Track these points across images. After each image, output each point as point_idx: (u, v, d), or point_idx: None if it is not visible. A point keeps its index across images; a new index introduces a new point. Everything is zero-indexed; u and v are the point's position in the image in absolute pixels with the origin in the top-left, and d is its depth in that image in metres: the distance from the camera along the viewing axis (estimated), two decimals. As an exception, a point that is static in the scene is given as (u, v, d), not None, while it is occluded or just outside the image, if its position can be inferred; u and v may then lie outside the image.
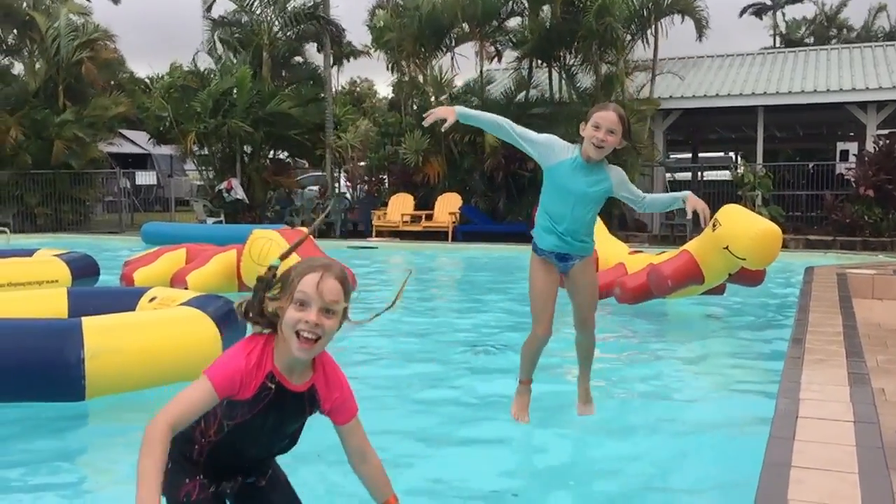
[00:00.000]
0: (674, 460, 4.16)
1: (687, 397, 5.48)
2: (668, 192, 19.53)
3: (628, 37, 19.30)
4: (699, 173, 23.87)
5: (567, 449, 4.41)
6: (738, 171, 18.98)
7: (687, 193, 4.26)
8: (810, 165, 20.89)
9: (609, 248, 9.77)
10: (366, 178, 22.27)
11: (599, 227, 10.37)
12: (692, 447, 4.34)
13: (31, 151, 21.53)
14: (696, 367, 6.66)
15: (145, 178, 30.75)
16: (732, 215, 7.63)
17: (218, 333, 4.94)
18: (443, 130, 4.04)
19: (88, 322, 4.68)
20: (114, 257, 12.65)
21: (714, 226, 7.60)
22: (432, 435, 4.50)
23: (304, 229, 10.39)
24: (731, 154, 30.65)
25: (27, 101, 22.09)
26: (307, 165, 27.98)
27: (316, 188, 24.35)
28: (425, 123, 3.95)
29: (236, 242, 9.73)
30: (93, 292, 6.38)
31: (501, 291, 10.74)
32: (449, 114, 3.86)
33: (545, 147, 4.05)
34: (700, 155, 28.12)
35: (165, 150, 27.80)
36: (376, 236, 19.39)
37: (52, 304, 5.81)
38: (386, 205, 20.31)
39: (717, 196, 18.84)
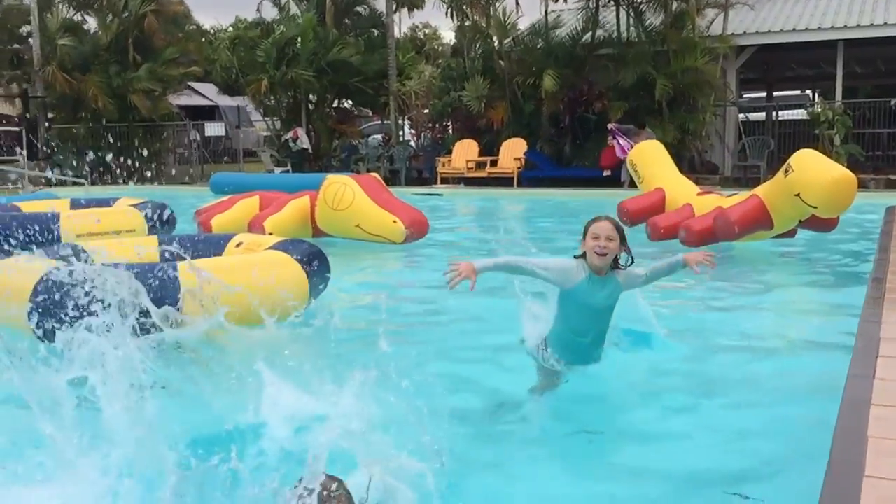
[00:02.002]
0: (754, 403, 4.18)
1: (763, 340, 5.46)
2: (741, 134, 19.08)
3: (699, -31, 18.63)
4: (773, 113, 23.10)
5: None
6: (815, 109, 18.29)
7: (681, 256, 4.40)
8: (892, 102, 19.98)
9: (677, 187, 9.63)
10: (430, 124, 22.27)
11: (668, 165, 10.28)
12: (771, 389, 4.35)
13: (105, 105, 22.15)
14: (771, 307, 6.59)
15: (214, 129, 31.34)
16: (805, 161, 7.41)
17: (305, 276, 5.11)
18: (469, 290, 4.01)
19: (183, 266, 4.90)
20: (186, 207, 13.04)
21: (786, 171, 7.43)
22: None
23: (375, 175, 10.51)
24: (808, 92, 29.53)
25: (99, 55, 22.65)
26: (371, 114, 28.08)
27: (380, 136, 24.47)
28: (450, 287, 3.93)
29: (303, 190, 9.94)
30: (182, 239, 6.62)
31: (568, 237, 10.72)
32: (469, 273, 3.91)
33: (560, 273, 4.17)
34: (775, 94, 27.19)
35: (232, 101, 28.23)
36: (441, 183, 19.45)
37: (144, 250, 6.07)
38: (450, 152, 20.30)
39: (792, 137, 18.28)
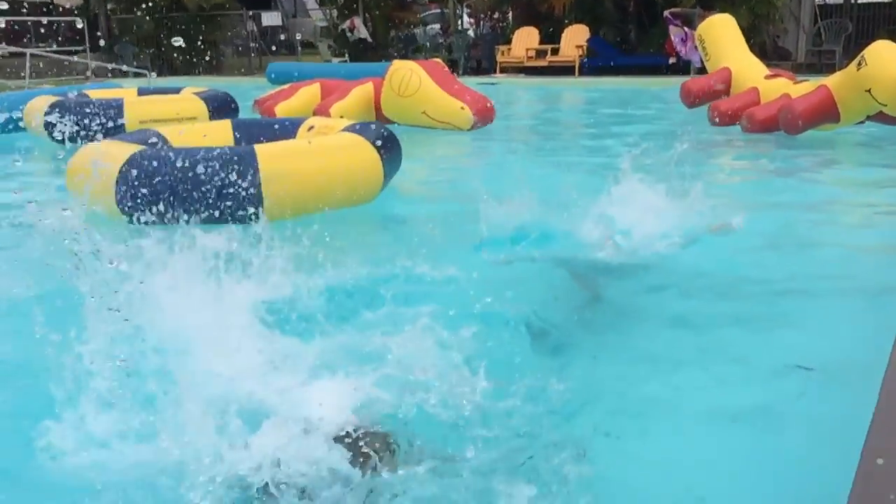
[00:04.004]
0: (827, 277, 4.15)
1: (839, 220, 5.38)
2: (817, 17, 18.05)
3: None
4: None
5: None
6: (900, -10, 17.18)
7: None
8: None
9: (745, 68, 9.27)
10: (489, 12, 21.63)
11: (738, 43, 9.84)
12: (847, 265, 4.33)
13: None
14: (846, 191, 6.45)
15: (270, 18, 30.94)
16: (880, 55, 7.01)
17: (379, 158, 5.13)
18: None
19: (261, 149, 4.96)
20: (245, 97, 13.08)
21: (859, 64, 7.08)
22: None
23: (440, 60, 10.35)
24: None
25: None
26: (428, 2, 27.35)
27: (438, 26, 23.90)
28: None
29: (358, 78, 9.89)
30: (255, 123, 6.69)
31: (627, 127, 10.50)
32: None
33: None
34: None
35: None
36: (500, 73, 19.04)
37: (218, 134, 6.16)
38: (510, 40, 19.76)
39: (872, 20, 17.29)
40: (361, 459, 2.28)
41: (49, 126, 8.57)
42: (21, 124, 9.41)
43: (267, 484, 2.17)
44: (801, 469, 2.32)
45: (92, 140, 5.90)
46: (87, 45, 21.13)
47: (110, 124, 8.43)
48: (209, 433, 2.28)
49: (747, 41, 10.73)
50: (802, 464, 2.35)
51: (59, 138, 8.19)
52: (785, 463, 2.34)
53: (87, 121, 8.13)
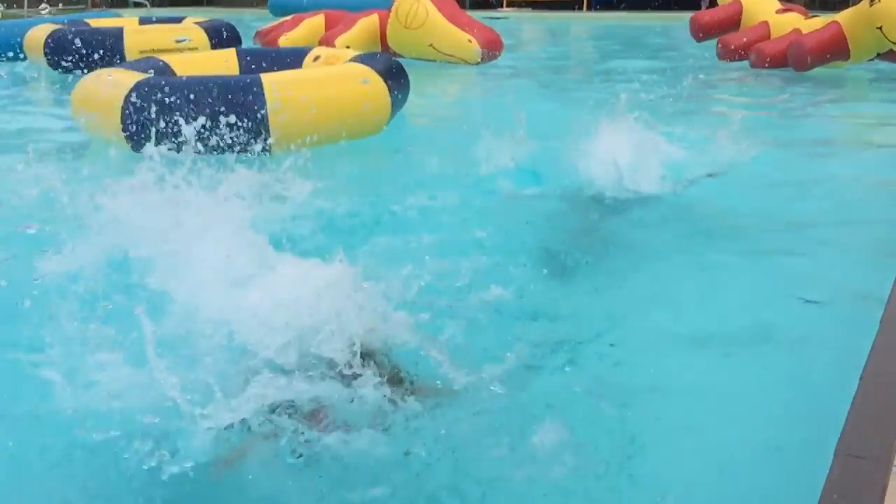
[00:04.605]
0: (830, 211, 4.19)
1: (844, 156, 5.39)
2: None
3: None
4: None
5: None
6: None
7: None
8: None
9: (756, 2, 9.13)
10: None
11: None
12: (851, 200, 4.35)
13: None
14: (852, 128, 6.44)
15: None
16: None
17: (387, 88, 5.09)
18: None
19: (267, 78, 4.93)
20: (247, 29, 12.88)
21: (872, 0, 6.96)
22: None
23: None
24: None
25: None
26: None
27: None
28: None
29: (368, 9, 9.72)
30: (261, 52, 6.62)
31: (635, 62, 10.37)
32: None
33: None
34: None
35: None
36: (508, 6, 18.70)
37: (223, 63, 6.10)
38: (517, -27, 19.36)
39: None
40: (368, 385, 2.32)
41: (49, 55, 8.49)
42: (21, 53, 9.32)
43: (275, 409, 2.21)
44: (801, 391, 2.38)
45: (93, 69, 5.85)
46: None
47: (110, 53, 8.35)
48: (213, 356, 2.31)
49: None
50: (803, 387, 2.40)
51: (60, 67, 8.13)
52: (785, 387, 2.40)
53: (87, 50, 8.05)
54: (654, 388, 2.41)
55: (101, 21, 10.42)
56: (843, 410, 1.95)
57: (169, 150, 4.65)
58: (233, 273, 2.53)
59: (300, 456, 2.08)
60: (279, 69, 5.60)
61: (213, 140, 4.93)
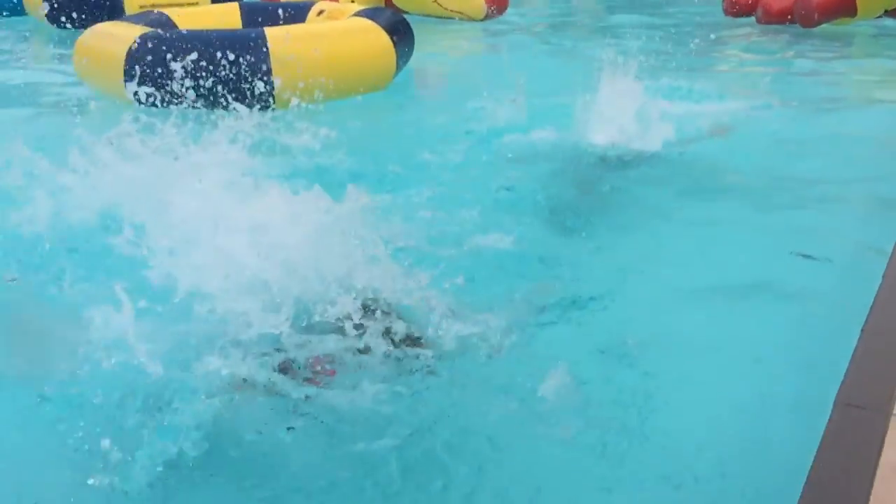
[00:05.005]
0: (833, 168, 4.18)
1: (850, 113, 5.36)
2: None
3: None
4: None
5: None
6: None
7: None
8: None
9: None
10: None
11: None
12: (855, 157, 4.34)
13: None
14: (859, 85, 6.40)
15: None
16: None
17: (391, 43, 5.05)
18: None
19: (271, 32, 4.88)
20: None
21: None
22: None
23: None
24: None
25: None
26: None
27: None
28: None
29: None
30: (264, 6, 6.53)
31: (642, 16, 10.24)
32: None
33: None
34: None
35: None
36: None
37: (226, 17, 6.04)
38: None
39: None
40: (370, 336, 2.33)
41: (49, 11, 8.40)
42: (21, 9, 9.23)
43: (274, 358, 2.23)
44: (803, 343, 2.40)
45: (93, 24, 5.79)
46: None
47: (110, 8, 8.27)
48: (209, 306, 2.33)
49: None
50: (804, 339, 2.42)
51: (59, 23, 8.06)
52: (787, 339, 2.42)
53: (86, 5, 7.97)
54: (657, 341, 2.43)
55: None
56: (844, 362, 1.97)
57: (171, 103, 4.65)
58: (233, 222, 2.52)
59: (299, 408, 2.07)
60: (282, 24, 5.54)
61: (216, 93, 4.92)
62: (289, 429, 2.01)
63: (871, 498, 1.54)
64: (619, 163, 4.27)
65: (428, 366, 2.27)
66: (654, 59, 6.37)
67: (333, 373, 2.25)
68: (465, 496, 1.81)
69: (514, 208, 3.54)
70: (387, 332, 2.38)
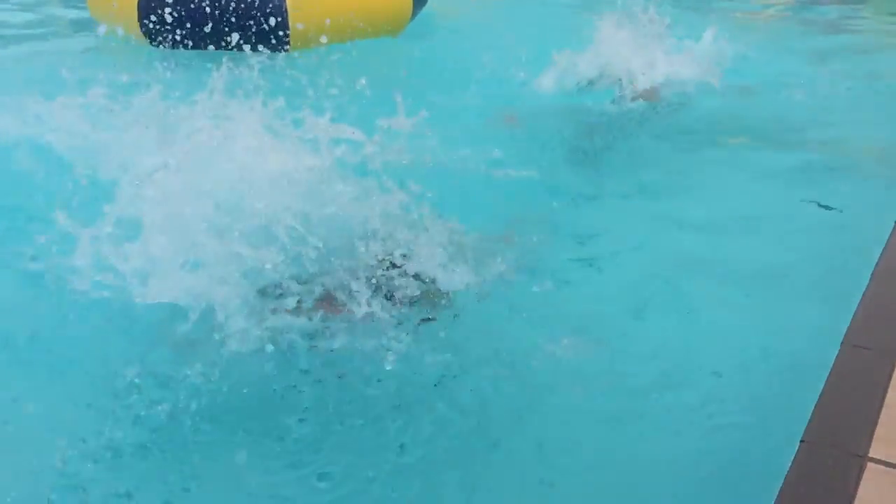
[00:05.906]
0: (843, 124, 4.14)
1: (864, 70, 5.26)
2: None
3: None
4: None
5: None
6: None
7: None
8: None
9: None
10: None
11: None
12: (866, 115, 4.29)
13: None
14: (871, 42, 6.29)
15: None
16: None
17: (407, -13, 4.97)
18: None
19: (286, -26, 4.81)
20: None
21: None
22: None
23: None
24: None
25: None
26: None
27: None
28: None
29: None
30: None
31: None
32: None
33: None
34: None
35: None
36: None
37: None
38: None
39: None
40: (381, 281, 2.31)
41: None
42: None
43: (283, 302, 2.21)
44: (812, 288, 2.39)
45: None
46: None
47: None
48: (232, 243, 2.29)
49: None
50: (814, 284, 2.42)
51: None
52: (796, 282, 2.42)
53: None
54: (669, 282, 2.43)
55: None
56: (852, 305, 1.97)
57: (185, 45, 4.61)
58: (242, 170, 2.48)
59: (310, 357, 2.06)
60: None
61: (231, 36, 4.88)
62: (293, 365, 2.01)
63: (874, 437, 1.55)
64: (622, 114, 4.27)
65: (438, 317, 2.24)
66: (675, 9, 6.30)
67: (339, 308, 2.22)
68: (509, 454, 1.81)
69: (530, 153, 3.52)
70: (398, 279, 2.35)
